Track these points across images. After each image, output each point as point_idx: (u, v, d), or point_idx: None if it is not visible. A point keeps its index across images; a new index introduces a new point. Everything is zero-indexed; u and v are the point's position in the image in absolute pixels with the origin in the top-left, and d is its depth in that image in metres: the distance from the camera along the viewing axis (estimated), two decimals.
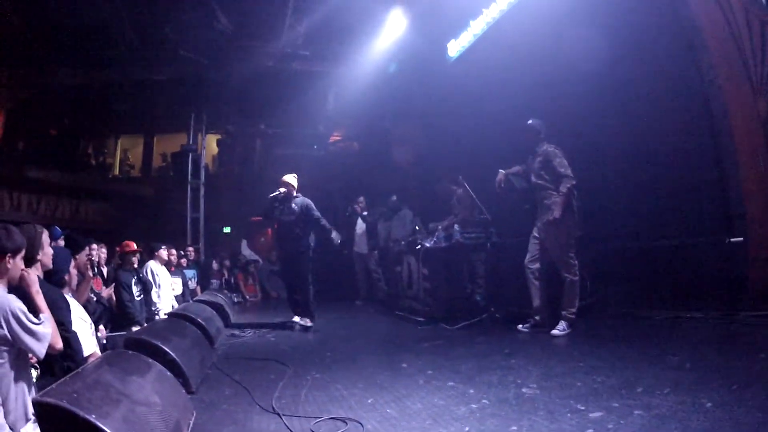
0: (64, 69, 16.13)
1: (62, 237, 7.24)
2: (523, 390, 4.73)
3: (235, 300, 14.28)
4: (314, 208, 9.95)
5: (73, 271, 5.52)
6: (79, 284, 5.95)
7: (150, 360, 4.43)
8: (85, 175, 21.44)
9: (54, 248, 5.33)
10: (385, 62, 14.46)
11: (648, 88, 8.62)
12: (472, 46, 12.11)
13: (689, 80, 7.99)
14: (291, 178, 10.09)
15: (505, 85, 10.75)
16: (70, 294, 5.35)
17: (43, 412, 3.04)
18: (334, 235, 10.33)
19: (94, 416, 2.99)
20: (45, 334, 3.62)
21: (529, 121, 7.79)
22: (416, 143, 15.11)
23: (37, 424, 3.31)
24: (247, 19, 14.13)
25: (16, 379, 3.56)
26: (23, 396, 3.62)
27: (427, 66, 13.85)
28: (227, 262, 17.20)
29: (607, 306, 8.42)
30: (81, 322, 5.19)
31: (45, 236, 4.61)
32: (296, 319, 9.79)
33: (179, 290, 11.60)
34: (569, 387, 4.67)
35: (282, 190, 9.97)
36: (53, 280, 5.05)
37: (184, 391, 4.68)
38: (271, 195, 10.08)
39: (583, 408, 4.08)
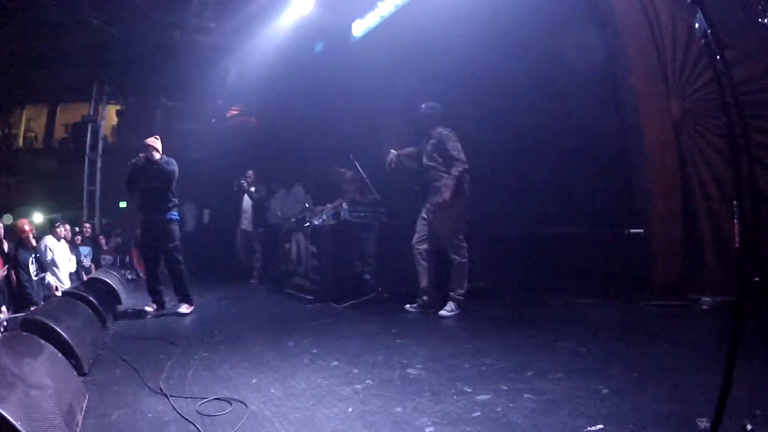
0: None
1: None
2: (409, 371, 4.84)
3: (129, 277, 14.11)
4: (172, 172, 8.95)
5: None
6: None
7: (42, 341, 4.42)
8: None
9: None
10: (289, 37, 14.29)
11: (560, 76, 8.80)
12: (378, 27, 12.10)
13: (602, 72, 8.16)
14: (152, 140, 9.12)
15: (408, 69, 10.82)
16: None
17: None
18: (172, 217, 9.14)
19: None
20: None
21: (426, 104, 7.87)
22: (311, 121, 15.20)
23: None
24: None
25: None
26: None
27: (330, 44, 13.92)
28: (119, 239, 16.96)
29: (500, 290, 8.58)
30: None
31: None
32: (179, 310, 8.96)
33: (73, 267, 11.47)
34: (456, 369, 4.78)
35: (141, 155, 9.02)
36: None
37: (76, 373, 4.69)
38: (130, 162, 9.12)
39: (470, 390, 4.17)
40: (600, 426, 3.31)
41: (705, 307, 6.50)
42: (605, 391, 3.89)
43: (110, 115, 19.74)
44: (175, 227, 9.12)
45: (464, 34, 9.39)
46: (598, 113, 8.33)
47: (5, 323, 6.85)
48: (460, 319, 7.23)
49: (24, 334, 4.51)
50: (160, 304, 9.14)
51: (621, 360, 4.66)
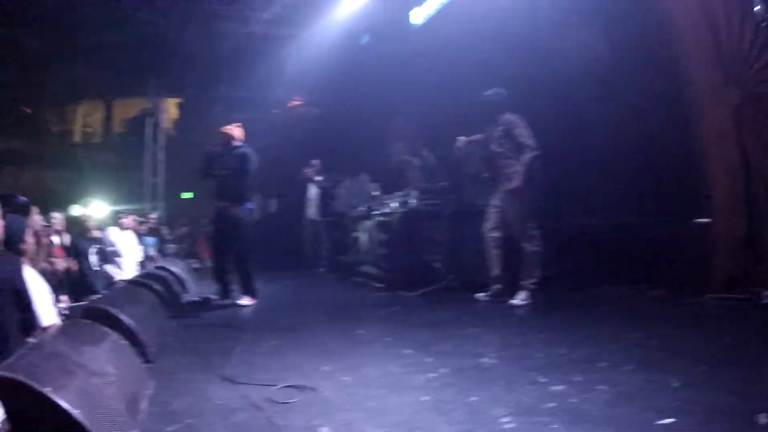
0: (25, 38, 15.81)
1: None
2: (482, 360, 4.71)
3: (195, 266, 14.15)
4: (251, 161, 8.81)
5: (29, 239, 5.41)
6: (35, 251, 5.83)
7: (105, 329, 4.31)
8: (46, 144, 21.10)
9: (8, 217, 5.26)
10: (348, 27, 14.32)
11: (621, 64, 8.58)
12: (438, 13, 12.00)
13: (663, 63, 7.94)
14: (230, 128, 9.08)
15: (471, 54, 10.63)
16: (26, 262, 5.25)
17: (1, 387, 3.01)
18: (245, 207, 8.99)
19: (49, 389, 2.94)
20: None
21: (491, 90, 7.76)
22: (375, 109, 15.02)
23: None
24: None
25: None
26: None
27: (391, 32, 13.76)
28: (185, 229, 17.06)
29: (569, 279, 8.41)
30: (39, 291, 5.08)
31: None
32: (240, 301, 8.69)
33: (140, 257, 11.48)
34: (529, 358, 4.65)
35: (220, 141, 9.03)
36: (9, 249, 4.95)
37: (140, 360, 4.61)
38: (207, 148, 9.22)
39: (544, 380, 4.05)
40: (671, 419, 3.20)
41: (765, 301, 6.31)
42: (676, 384, 3.79)
43: (169, 108, 19.74)
44: (247, 218, 8.98)
45: (524, 19, 9.40)
46: (659, 101, 8.10)
47: (66, 312, 6.77)
48: (530, 308, 7.14)
49: (86, 321, 4.44)
50: (226, 292, 9.00)
51: (688, 353, 4.56)
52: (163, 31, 15.21)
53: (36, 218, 6.17)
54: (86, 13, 14.41)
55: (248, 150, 8.86)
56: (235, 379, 4.63)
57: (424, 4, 12.40)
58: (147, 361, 5.07)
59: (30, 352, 3.29)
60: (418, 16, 12.69)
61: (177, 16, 14.53)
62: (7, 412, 3.00)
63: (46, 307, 5.14)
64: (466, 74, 10.33)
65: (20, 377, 2.91)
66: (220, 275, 9.10)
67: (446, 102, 11.11)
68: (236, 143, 8.90)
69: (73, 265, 8.66)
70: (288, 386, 4.32)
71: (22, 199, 6.51)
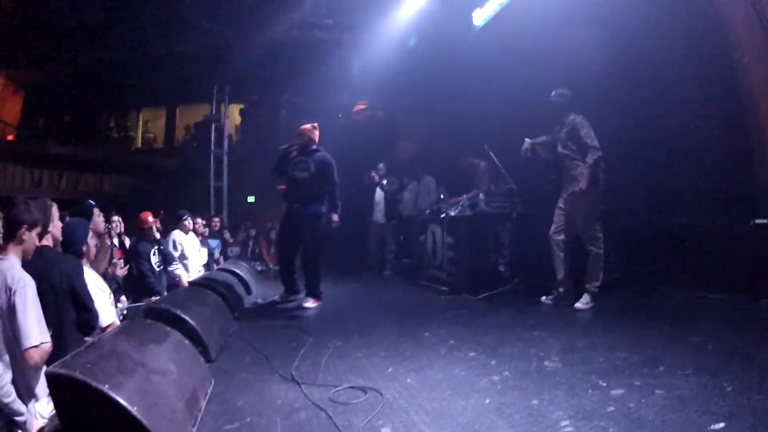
0: (83, 48, 16.19)
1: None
2: (545, 363, 4.69)
3: (258, 269, 14.23)
4: (334, 169, 8.74)
5: (91, 241, 5.45)
6: (97, 254, 5.88)
7: (168, 328, 4.41)
8: (107, 149, 21.67)
9: (72, 220, 5.32)
10: (409, 30, 14.25)
11: (678, 64, 8.35)
12: (498, 14, 11.84)
13: (717, 58, 7.79)
14: (308, 128, 8.91)
15: (533, 54, 10.51)
16: (88, 264, 5.30)
17: (56, 384, 3.00)
18: (335, 216, 9.19)
19: (107, 386, 2.94)
20: (32, 329, 3.58)
21: (556, 91, 7.63)
22: (438, 112, 14.91)
23: (50, 398, 3.27)
24: None
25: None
26: (23, 375, 3.64)
27: (452, 34, 13.57)
28: (252, 231, 17.21)
29: (631, 282, 8.31)
30: (99, 292, 5.17)
31: (54, 209, 4.60)
32: (305, 303, 8.59)
33: (204, 260, 11.57)
34: (591, 362, 4.63)
35: (297, 142, 8.84)
36: (71, 251, 5.04)
37: (202, 359, 4.67)
38: (282, 147, 8.95)
39: (604, 384, 4.04)
40: (722, 424, 3.23)
41: None
42: (729, 388, 3.77)
43: (232, 113, 19.99)
44: (319, 221, 8.93)
45: (587, 19, 9.26)
46: (716, 98, 7.92)
47: (125, 312, 6.84)
48: (594, 311, 7.04)
49: (148, 321, 4.55)
50: (292, 292, 8.99)
51: (742, 357, 4.48)
52: (226, 38, 15.29)
53: (98, 221, 6.21)
54: (148, 22, 14.62)
55: (328, 155, 8.85)
56: (297, 379, 4.65)
57: (485, 6, 12.26)
58: (209, 361, 5.12)
59: (88, 351, 3.31)
60: (479, 18, 12.53)
61: (239, 23, 14.57)
62: (59, 408, 2.99)
63: (106, 307, 5.19)
64: (529, 75, 10.22)
65: (76, 374, 2.91)
66: (286, 277, 9.06)
67: (510, 103, 11.05)
68: (314, 146, 8.84)
69: (132, 267, 8.73)
70: (351, 387, 4.34)
71: (88, 202, 6.59)
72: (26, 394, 3.63)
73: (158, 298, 8.38)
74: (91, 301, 4.55)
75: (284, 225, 9.26)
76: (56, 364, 3.04)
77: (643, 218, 9.05)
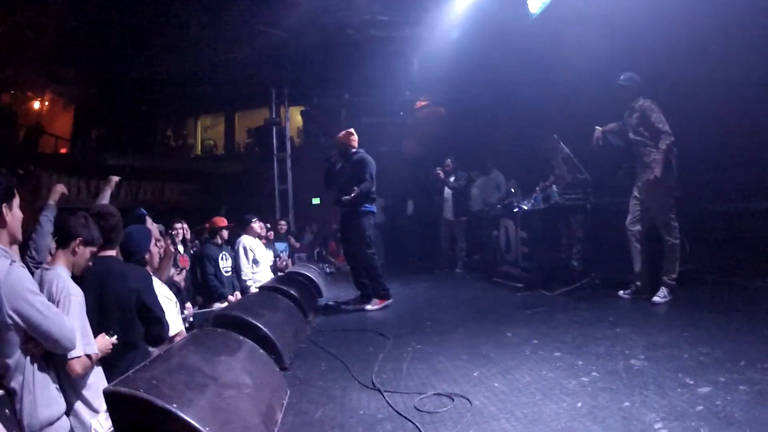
0: (136, 59, 16.38)
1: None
2: (632, 361, 4.58)
3: (328, 270, 14.09)
4: (368, 166, 8.73)
5: (154, 248, 5.31)
6: (160, 261, 5.74)
7: (240, 337, 4.31)
8: (166, 158, 21.97)
9: (134, 228, 5.21)
10: (465, 23, 13.99)
11: (753, 42, 7.91)
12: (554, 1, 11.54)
13: None
14: (343, 135, 9.05)
15: (593, 39, 10.13)
16: (151, 272, 5.16)
17: (115, 402, 2.79)
18: (364, 210, 8.77)
19: (175, 405, 2.75)
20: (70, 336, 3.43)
21: (625, 75, 7.45)
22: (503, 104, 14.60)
23: (107, 414, 3.07)
24: None
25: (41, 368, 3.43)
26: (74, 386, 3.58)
27: (509, 24, 13.29)
28: (316, 233, 17.14)
29: (703, 272, 8.17)
30: (165, 300, 5.10)
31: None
32: (368, 307, 8.62)
33: (270, 263, 11.44)
34: (676, 359, 4.55)
35: (335, 152, 9.08)
36: (134, 258, 4.99)
37: (277, 368, 4.56)
38: (325, 158, 9.23)
39: (691, 382, 3.94)
40: None
41: None
42: None
43: (293, 116, 19.98)
44: (366, 220, 8.86)
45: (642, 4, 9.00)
46: None
47: (191, 319, 6.75)
48: (671, 304, 6.92)
49: (219, 330, 4.40)
50: (367, 297, 8.88)
51: None
52: (281, 40, 15.23)
53: (152, 228, 6.07)
54: (200, 29, 14.68)
55: (364, 155, 8.91)
56: (378, 386, 4.53)
57: None
58: (283, 369, 5.06)
59: (153, 364, 3.18)
60: (535, 5, 12.19)
61: (293, 25, 14.49)
62: (119, 429, 2.84)
63: (173, 316, 5.14)
64: (592, 61, 9.94)
65: (139, 392, 2.76)
66: (357, 279, 9.11)
67: (574, 91, 10.85)
68: (353, 150, 8.87)
69: (197, 271, 8.86)
70: (437, 394, 4.21)
71: (140, 211, 6.52)
72: (83, 407, 3.57)
73: (225, 303, 8.53)
74: (162, 312, 4.51)
75: (340, 231, 9.54)
76: (116, 381, 2.87)
77: (714, 205, 8.78)
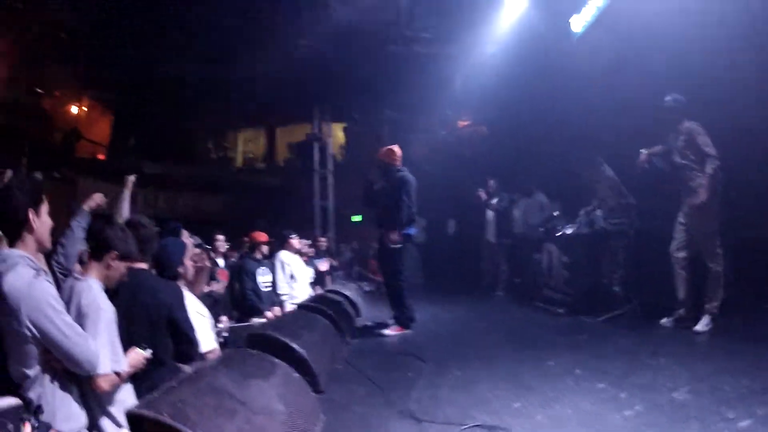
0: (176, 67, 16.59)
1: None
2: (674, 395, 4.53)
3: (367, 289, 13.90)
4: (409, 185, 8.42)
5: (188, 262, 5.18)
6: (195, 275, 5.60)
7: (275, 360, 4.15)
8: (206, 169, 22.20)
9: (169, 240, 5.13)
10: (507, 42, 13.93)
11: None
12: (597, 19, 11.45)
13: None
14: (384, 152, 8.77)
15: (639, 59, 10.05)
16: (186, 286, 5.08)
17: (138, 426, 2.65)
18: (393, 235, 8.43)
19: None
20: (93, 353, 3.30)
21: (671, 95, 7.33)
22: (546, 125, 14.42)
23: None
24: (363, 5, 13.76)
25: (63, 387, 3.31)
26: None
27: (552, 43, 13.15)
28: (351, 252, 17.02)
29: (748, 299, 7.87)
30: (198, 316, 4.99)
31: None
32: (385, 331, 8.44)
33: (309, 279, 11.33)
34: (718, 391, 4.51)
35: (375, 169, 8.87)
36: (166, 273, 4.88)
37: (312, 392, 4.42)
38: (367, 177, 9.02)
39: (732, 417, 3.92)
40: None
41: None
42: None
43: (335, 132, 20.03)
44: (401, 247, 8.57)
45: (686, 24, 8.65)
46: None
47: (225, 334, 6.78)
48: (713, 333, 6.83)
49: (252, 351, 4.30)
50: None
51: None
52: (325, 57, 15.21)
53: (187, 241, 5.96)
54: (245, 43, 14.76)
55: (405, 174, 8.64)
56: (417, 415, 4.42)
57: (582, 12, 11.88)
58: (318, 392, 4.92)
59: (181, 386, 3.08)
60: (577, 24, 12.14)
61: (337, 41, 14.47)
62: None
63: (206, 332, 5.03)
64: (635, 81, 9.75)
65: (163, 416, 2.68)
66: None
67: (618, 112, 10.59)
68: (395, 167, 8.64)
69: (235, 285, 8.83)
70: (477, 426, 4.12)
71: (175, 223, 6.41)
72: (109, 423, 3.47)
73: (262, 319, 8.44)
74: (193, 330, 4.40)
75: (378, 252, 9.27)
76: (141, 402, 2.73)
77: (758, 231, 8.39)
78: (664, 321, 7.39)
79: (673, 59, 9.04)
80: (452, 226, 17.54)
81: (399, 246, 8.45)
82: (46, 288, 3.11)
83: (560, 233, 9.48)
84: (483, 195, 12.96)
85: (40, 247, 3.35)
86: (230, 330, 7.21)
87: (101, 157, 21.39)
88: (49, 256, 4.48)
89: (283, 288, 9.57)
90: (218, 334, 6.25)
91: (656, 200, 8.50)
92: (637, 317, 8.04)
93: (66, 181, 15.69)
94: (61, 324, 3.07)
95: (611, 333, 7.38)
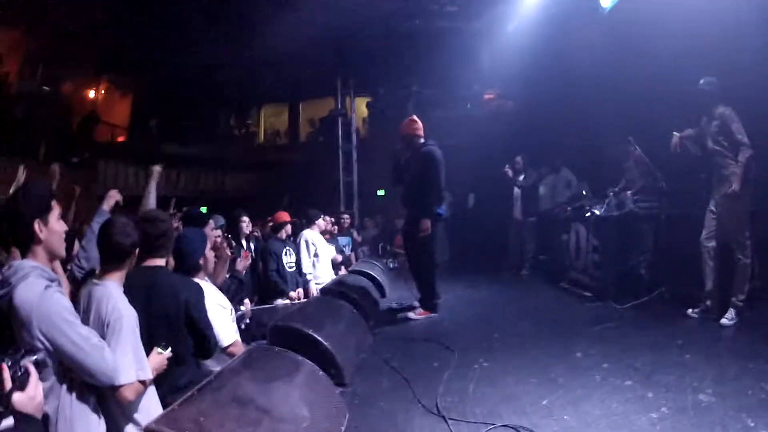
0: (197, 46, 16.54)
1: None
2: (700, 396, 4.50)
3: (391, 266, 13.80)
4: (437, 162, 8.15)
5: (209, 253, 5.14)
6: (215, 265, 5.53)
7: (298, 358, 4.18)
8: (228, 147, 22.20)
9: (189, 230, 5.10)
10: (536, 15, 13.64)
11: None
12: None
13: None
14: (406, 124, 8.58)
15: (672, 38, 9.64)
16: (206, 278, 5.13)
17: None
18: (425, 223, 8.16)
19: None
20: (125, 366, 3.26)
21: (706, 78, 7.14)
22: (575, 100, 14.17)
23: None
24: None
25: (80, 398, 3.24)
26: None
27: (581, 18, 12.87)
28: (376, 229, 16.92)
29: None
30: (219, 309, 4.95)
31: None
32: (410, 314, 8.30)
33: (332, 258, 11.27)
34: (741, 395, 4.49)
35: (401, 144, 8.58)
36: (187, 264, 4.86)
37: (337, 390, 4.44)
38: (394, 154, 8.74)
39: (752, 424, 3.92)
40: None
41: None
42: None
43: (359, 107, 19.84)
44: (433, 228, 8.33)
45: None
46: None
47: (247, 320, 6.74)
48: (739, 328, 6.72)
49: (275, 350, 4.30)
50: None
51: None
52: (349, 31, 15.04)
53: (211, 234, 5.93)
54: (269, 18, 14.59)
55: (433, 148, 8.36)
56: (444, 413, 4.39)
57: None
58: (342, 384, 4.95)
59: (202, 395, 3.09)
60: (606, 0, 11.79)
61: (361, 15, 14.26)
62: None
63: (227, 325, 4.98)
64: (668, 61, 9.59)
65: None
66: (418, 284, 8.77)
67: (650, 92, 10.37)
68: (419, 139, 8.42)
69: (259, 265, 8.77)
70: (504, 426, 4.11)
71: (196, 210, 6.32)
72: (135, 429, 3.39)
73: (286, 301, 8.50)
74: (211, 329, 4.32)
75: (404, 233, 9.03)
76: (161, 417, 2.63)
77: None
78: (690, 311, 7.28)
79: (711, 38, 8.66)
80: (471, 198, 17.49)
81: (428, 232, 8.29)
82: (58, 299, 3.04)
83: (589, 214, 9.28)
84: (509, 172, 12.74)
85: (53, 256, 3.27)
86: (253, 313, 7.21)
87: (121, 139, 21.57)
88: (69, 260, 4.44)
89: (307, 267, 9.57)
90: (240, 318, 6.22)
91: (688, 185, 8.37)
92: (665, 305, 7.97)
93: (85, 165, 15.76)
94: (74, 336, 3.00)
95: (639, 322, 7.30)
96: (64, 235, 3.28)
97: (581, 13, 12.56)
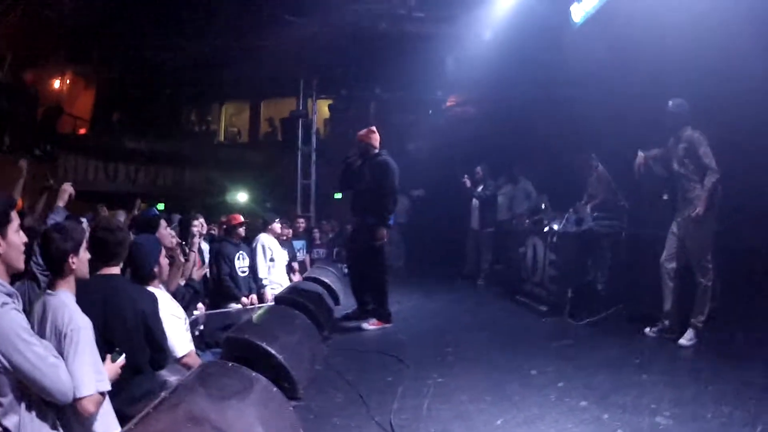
0: (161, 41, 16.46)
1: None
2: (657, 419, 4.54)
3: (345, 271, 13.79)
4: (391, 172, 8.25)
5: (163, 260, 5.12)
6: (170, 272, 5.50)
7: (252, 374, 4.02)
8: (187, 143, 22.04)
9: (143, 238, 5.09)
10: (505, 25, 13.64)
11: None
12: (600, 10, 11.05)
13: None
14: (364, 133, 8.61)
15: (640, 55, 9.91)
16: (160, 286, 5.10)
17: None
18: (380, 231, 8.31)
19: None
20: (84, 377, 3.23)
21: (674, 101, 7.17)
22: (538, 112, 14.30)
23: None
24: None
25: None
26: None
27: (550, 30, 12.96)
28: (331, 235, 16.93)
29: (731, 311, 7.83)
30: (173, 319, 4.90)
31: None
32: (364, 325, 8.33)
33: (286, 262, 11.22)
34: (700, 419, 4.53)
35: (354, 151, 8.67)
36: (140, 273, 4.84)
37: (291, 407, 4.29)
38: (345, 158, 8.80)
39: None
40: None
41: None
42: None
43: (320, 107, 19.78)
44: (384, 239, 8.52)
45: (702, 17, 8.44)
46: None
47: (201, 327, 6.69)
48: (698, 349, 6.79)
49: (230, 365, 4.13)
50: (363, 313, 8.65)
51: None
52: (313, 32, 15.02)
53: (165, 233, 5.88)
54: (233, 17, 14.56)
55: (387, 158, 8.48)
56: (398, 431, 4.41)
57: (583, 1, 11.52)
58: (296, 398, 4.93)
59: (158, 414, 3.01)
60: (578, 14, 11.80)
61: (326, 16, 14.26)
62: None
63: (181, 335, 4.95)
64: (637, 79, 9.76)
65: None
66: (358, 294, 8.84)
67: (617, 110, 10.43)
68: (375, 151, 8.50)
69: (212, 269, 8.74)
70: None
71: (153, 211, 6.26)
72: None
73: (239, 306, 8.54)
74: (165, 340, 4.35)
75: (350, 240, 9.36)
76: None
77: (745, 241, 8.36)
78: (647, 330, 7.35)
79: (681, 58, 8.83)
80: (420, 192, 17.43)
81: (384, 241, 8.40)
82: (14, 317, 2.99)
83: (547, 228, 9.37)
84: (468, 182, 12.77)
85: (12, 270, 3.20)
86: (207, 318, 7.17)
87: (83, 131, 21.33)
88: (28, 258, 4.36)
89: (263, 272, 9.48)
90: (193, 324, 6.16)
91: (650, 206, 8.54)
92: (622, 323, 8.04)
93: (47, 158, 15.59)
94: (30, 356, 2.96)
95: (595, 339, 7.38)
96: (23, 248, 3.21)
97: (552, 26, 12.64)
